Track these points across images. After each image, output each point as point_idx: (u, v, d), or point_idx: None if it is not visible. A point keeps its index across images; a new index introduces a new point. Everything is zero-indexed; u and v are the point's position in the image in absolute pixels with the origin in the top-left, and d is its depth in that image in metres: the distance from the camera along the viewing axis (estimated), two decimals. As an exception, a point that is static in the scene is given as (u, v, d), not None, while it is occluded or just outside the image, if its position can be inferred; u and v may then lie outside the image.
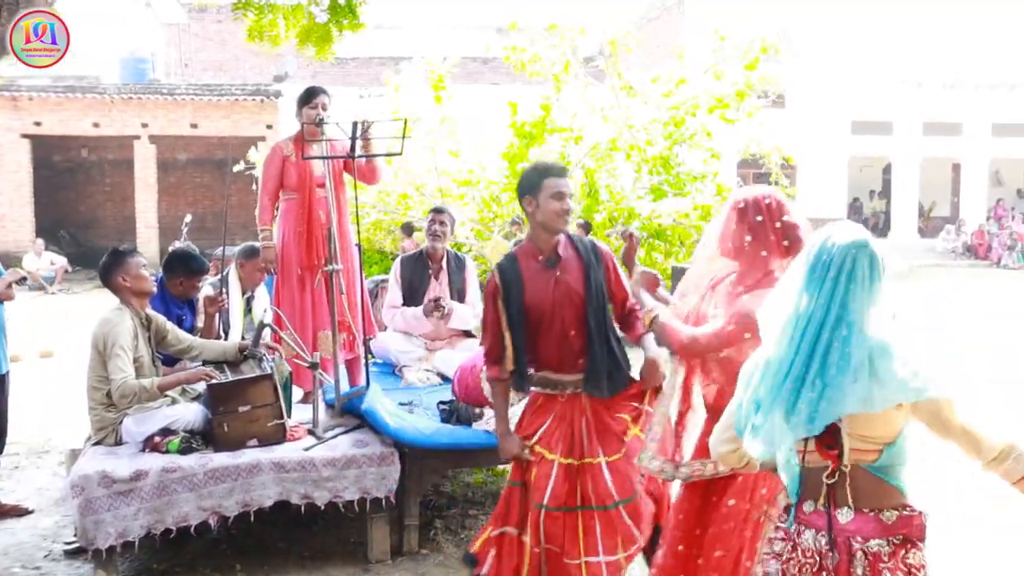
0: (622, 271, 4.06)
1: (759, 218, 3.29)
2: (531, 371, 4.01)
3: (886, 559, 2.36)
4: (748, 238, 3.30)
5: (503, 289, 3.92)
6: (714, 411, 3.42)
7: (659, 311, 3.53)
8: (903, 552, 2.37)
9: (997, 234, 28.08)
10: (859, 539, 2.37)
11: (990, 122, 29.40)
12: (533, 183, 3.87)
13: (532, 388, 4.06)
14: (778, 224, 3.28)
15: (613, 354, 3.93)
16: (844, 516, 2.40)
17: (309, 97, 5.78)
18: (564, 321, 3.90)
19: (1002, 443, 2.37)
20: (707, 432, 3.22)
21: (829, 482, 2.41)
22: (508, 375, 4.01)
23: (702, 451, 3.44)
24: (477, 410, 4.99)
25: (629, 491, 3.81)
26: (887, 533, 2.37)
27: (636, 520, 3.81)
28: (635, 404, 3.99)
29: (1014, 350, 11.50)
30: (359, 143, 5.18)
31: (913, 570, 2.37)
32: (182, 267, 5.80)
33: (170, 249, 6.99)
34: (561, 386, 3.95)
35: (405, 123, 5.25)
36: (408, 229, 13.81)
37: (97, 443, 4.79)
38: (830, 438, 2.35)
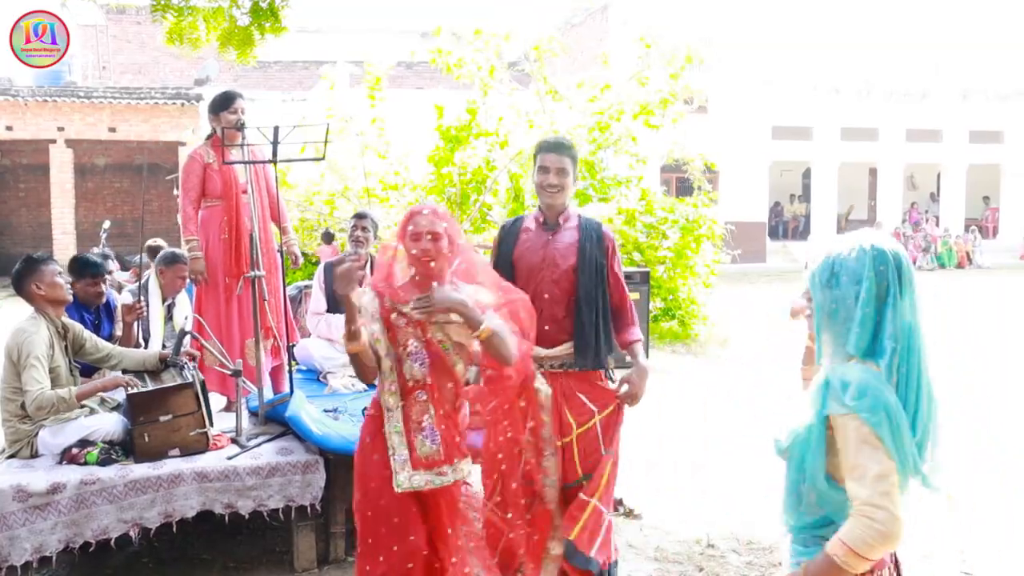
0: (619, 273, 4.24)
1: None
2: None
3: None
4: None
5: (499, 240, 4.27)
6: None
7: (494, 326, 3.37)
8: None
9: (912, 236, 28.88)
10: None
11: (904, 128, 30.26)
12: (533, 155, 4.24)
13: None
14: None
15: (602, 331, 4.09)
16: None
17: (228, 102, 5.71)
18: (545, 281, 4.09)
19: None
20: None
21: None
22: None
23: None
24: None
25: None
26: None
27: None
28: (604, 405, 4.13)
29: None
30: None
31: None
32: (73, 273, 5.72)
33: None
34: (538, 361, 4.01)
35: (327, 128, 5.21)
36: (328, 237, 13.70)
37: (11, 456, 4.67)
38: None
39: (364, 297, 3.45)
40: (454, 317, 3.39)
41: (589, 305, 4.07)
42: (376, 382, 3.51)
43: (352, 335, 3.36)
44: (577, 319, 4.07)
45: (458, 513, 3.58)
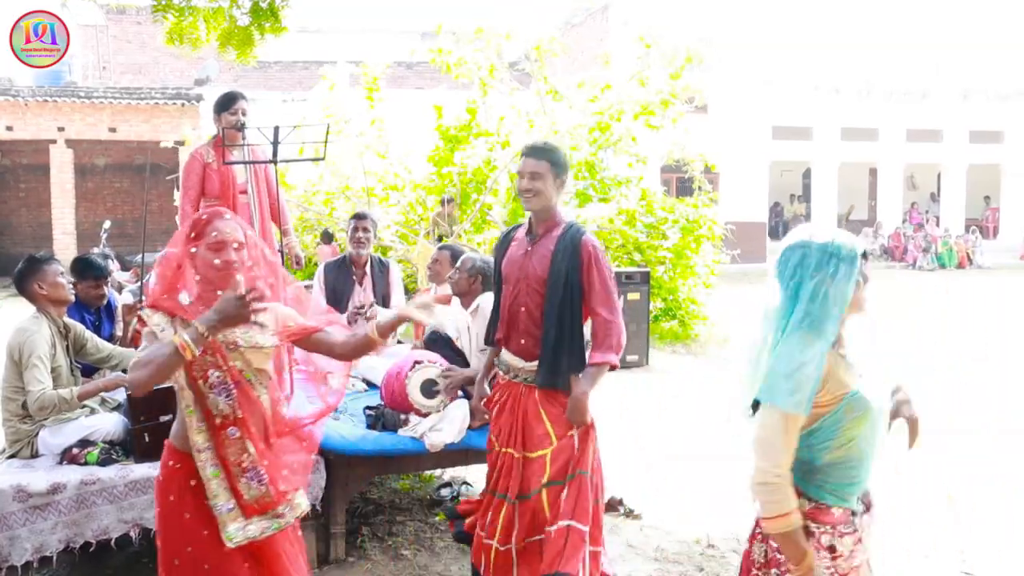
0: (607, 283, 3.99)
1: None
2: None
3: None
4: None
5: (495, 250, 4.23)
6: None
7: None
8: None
9: (912, 236, 28.87)
10: None
11: (904, 128, 30.26)
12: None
13: (497, 368, 4.19)
14: None
15: (565, 349, 3.94)
16: None
17: (229, 102, 5.72)
18: (521, 293, 4.03)
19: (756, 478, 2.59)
20: None
21: None
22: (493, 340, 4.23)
23: None
24: (403, 416, 4.98)
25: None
26: None
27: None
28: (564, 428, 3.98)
29: (931, 347, 11.84)
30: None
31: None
32: (76, 274, 5.72)
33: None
34: (513, 371, 4.04)
35: (327, 128, 5.22)
36: (328, 236, 13.70)
37: (11, 456, 4.67)
38: None
39: (152, 319, 2.99)
40: (258, 339, 3.05)
41: (551, 320, 3.94)
42: (189, 419, 2.99)
43: (201, 340, 2.84)
44: (542, 334, 3.98)
45: (296, 565, 3.19)
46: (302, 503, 3.19)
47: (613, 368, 3.97)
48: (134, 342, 5.74)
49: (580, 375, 3.94)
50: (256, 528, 3.01)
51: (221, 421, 3.00)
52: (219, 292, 2.94)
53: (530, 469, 3.97)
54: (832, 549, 2.55)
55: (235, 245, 3.00)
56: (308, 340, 3.19)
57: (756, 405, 2.65)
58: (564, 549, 3.83)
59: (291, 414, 3.27)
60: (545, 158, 3.99)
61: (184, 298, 3.03)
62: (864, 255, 2.56)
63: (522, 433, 3.99)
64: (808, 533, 2.55)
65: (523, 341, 3.99)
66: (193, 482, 3.00)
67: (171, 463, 3.06)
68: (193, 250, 3.01)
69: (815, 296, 2.48)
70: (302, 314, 3.23)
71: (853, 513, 2.59)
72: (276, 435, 3.15)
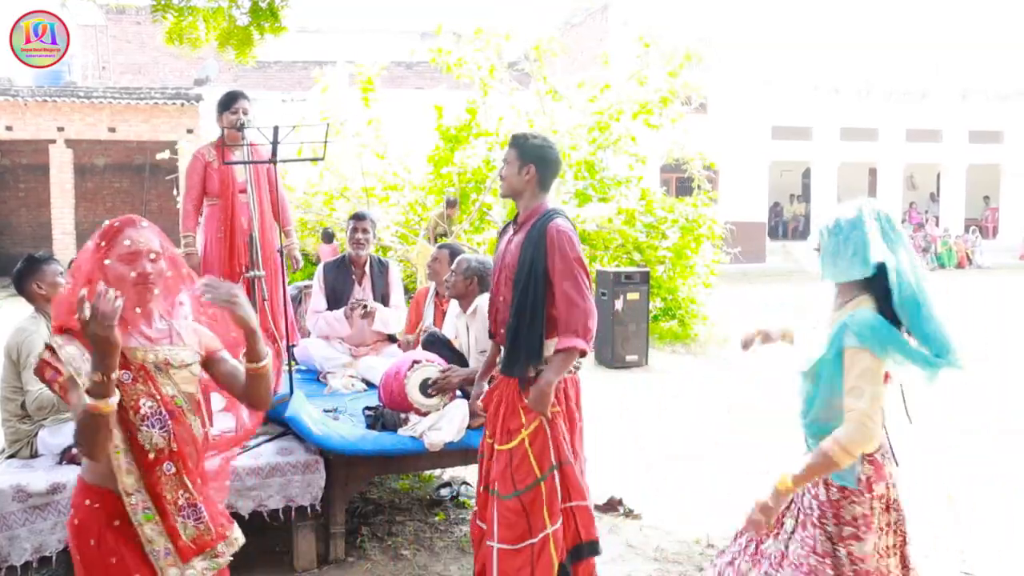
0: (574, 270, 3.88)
1: None
2: None
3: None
4: None
5: (497, 242, 4.20)
6: None
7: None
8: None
9: (912, 236, 28.88)
10: None
11: (904, 128, 30.27)
12: None
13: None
14: None
15: (524, 339, 3.87)
16: None
17: (230, 102, 5.73)
18: (500, 284, 4.04)
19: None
20: None
21: None
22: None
23: None
24: (402, 416, 4.97)
25: (507, 488, 3.89)
26: None
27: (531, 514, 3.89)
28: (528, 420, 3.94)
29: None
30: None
31: None
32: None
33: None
34: (501, 363, 4.06)
35: (327, 128, 5.22)
36: (328, 236, 13.70)
37: (11, 456, 4.67)
38: None
39: (65, 350, 2.58)
40: (183, 356, 2.78)
41: (513, 308, 3.91)
42: (117, 459, 2.65)
43: (102, 387, 2.43)
44: (509, 323, 3.94)
45: None
46: (239, 538, 2.93)
47: (583, 354, 3.85)
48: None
49: (551, 360, 3.85)
50: (196, 572, 2.75)
51: (155, 456, 2.69)
52: (137, 309, 2.69)
53: (495, 462, 3.99)
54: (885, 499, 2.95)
55: (151, 256, 2.71)
56: (219, 370, 2.90)
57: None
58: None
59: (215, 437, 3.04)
60: (515, 145, 3.98)
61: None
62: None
63: (500, 424, 3.99)
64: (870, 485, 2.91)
65: (503, 331, 4.00)
66: (117, 522, 2.68)
67: (87, 502, 2.70)
68: (107, 262, 2.68)
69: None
70: (221, 336, 2.94)
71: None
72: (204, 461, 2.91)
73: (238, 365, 2.88)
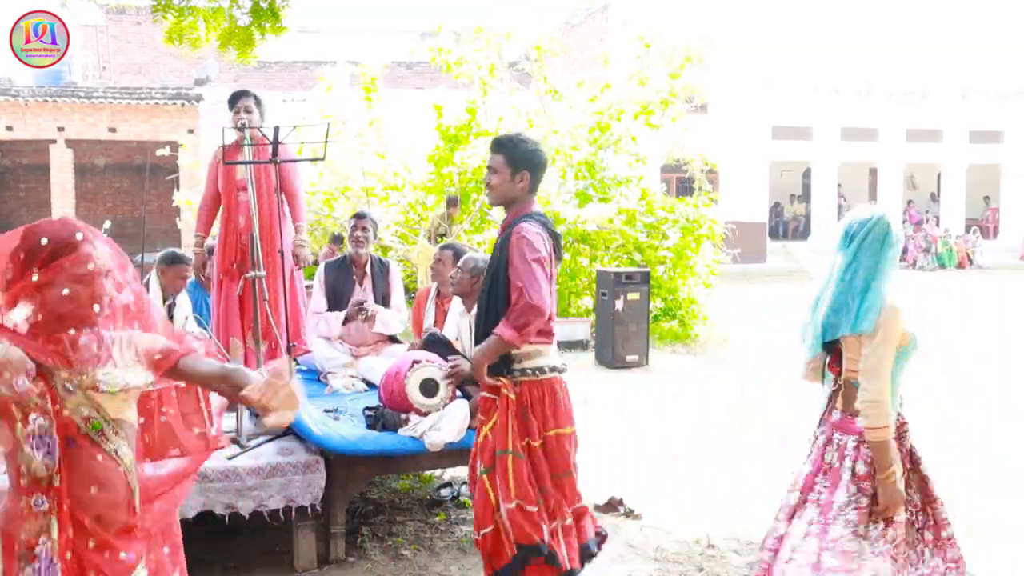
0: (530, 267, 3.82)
1: None
2: None
3: (851, 451, 3.28)
4: None
5: None
6: None
7: None
8: (864, 447, 3.24)
9: (912, 236, 28.85)
10: (839, 433, 3.36)
11: (904, 128, 30.27)
12: None
13: None
14: None
15: (484, 334, 3.92)
16: (835, 415, 3.43)
17: (232, 101, 5.82)
18: (487, 284, 4.04)
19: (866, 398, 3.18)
20: None
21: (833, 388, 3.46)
22: None
23: None
24: (403, 416, 4.97)
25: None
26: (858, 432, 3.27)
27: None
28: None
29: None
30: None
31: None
32: None
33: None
34: None
35: (328, 128, 5.22)
36: (337, 239, 13.71)
37: (11, 456, 4.65)
38: (836, 358, 3.41)
39: (9, 350, 2.17)
40: (128, 379, 2.31)
41: (481, 307, 4.00)
42: None
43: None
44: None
45: None
46: None
47: (511, 344, 3.78)
48: None
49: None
50: None
51: (28, 484, 2.23)
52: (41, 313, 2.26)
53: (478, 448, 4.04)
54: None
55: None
56: (175, 370, 2.45)
57: (828, 344, 3.41)
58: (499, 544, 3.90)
59: (153, 471, 2.65)
60: (501, 152, 3.94)
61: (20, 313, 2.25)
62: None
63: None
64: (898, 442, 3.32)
65: (489, 322, 4.02)
66: None
67: None
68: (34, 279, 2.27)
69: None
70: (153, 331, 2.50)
71: None
72: (145, 501, 2.50)
73: (194, 359, 2.48)
